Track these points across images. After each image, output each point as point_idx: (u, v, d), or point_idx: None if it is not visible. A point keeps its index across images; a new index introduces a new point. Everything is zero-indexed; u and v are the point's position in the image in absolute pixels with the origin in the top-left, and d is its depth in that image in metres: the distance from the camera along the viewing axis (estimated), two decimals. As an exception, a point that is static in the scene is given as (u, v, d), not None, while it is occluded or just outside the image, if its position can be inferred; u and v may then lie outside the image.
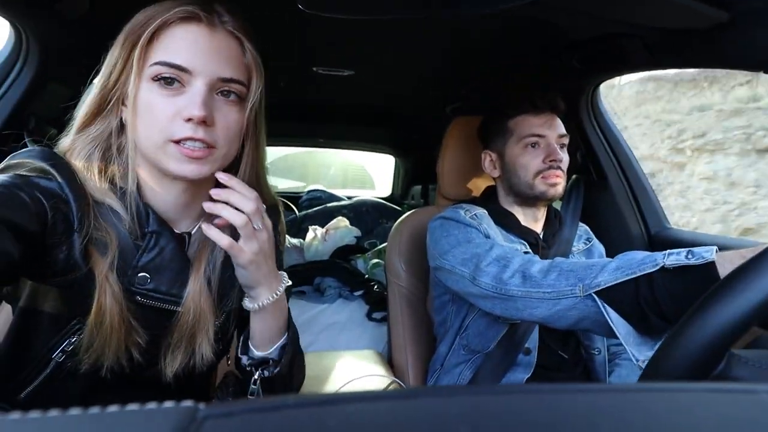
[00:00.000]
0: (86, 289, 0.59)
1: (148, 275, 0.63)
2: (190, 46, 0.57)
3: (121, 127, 0.63)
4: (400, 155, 2.92)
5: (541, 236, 1.05)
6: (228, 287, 0.71)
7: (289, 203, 2.49)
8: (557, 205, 1.16)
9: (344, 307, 1.66)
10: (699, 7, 0.77)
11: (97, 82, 0.62)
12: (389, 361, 1.26)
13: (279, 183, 3.30)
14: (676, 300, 0.61)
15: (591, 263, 0.72)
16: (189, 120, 0.56)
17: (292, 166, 3.68)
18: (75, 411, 0.18)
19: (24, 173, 0.57)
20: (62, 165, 0.59)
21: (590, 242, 1.11)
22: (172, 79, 0.57)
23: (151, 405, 0.18)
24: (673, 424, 0.15)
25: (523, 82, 1.38)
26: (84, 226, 0.58)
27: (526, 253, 1.00)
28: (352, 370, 1.15)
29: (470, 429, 0.14)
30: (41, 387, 0.63)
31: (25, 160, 0.58)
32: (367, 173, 3.76)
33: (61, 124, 0.94)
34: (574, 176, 1.26)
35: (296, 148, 3.22)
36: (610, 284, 0.66)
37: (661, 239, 1.25)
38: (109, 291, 0.59)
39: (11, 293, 0.66)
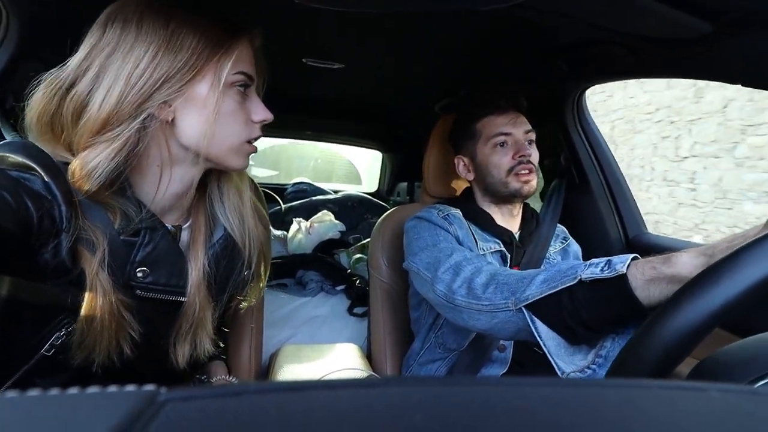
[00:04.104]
0: (76, 287, 0.58)
1: (146, 269, 0.63)
2: (252, 59, 0.66)
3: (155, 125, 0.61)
4: (387, 151, 2.92)
5: (516, 236, 1.06)
6: (225, 278, 0.74)
7: (273, 194, 2.47)
8: (537, 206, 1.18)
9: (326, 301, 1.66)
10: (683, 18, 0.78)
11: (132, 79, 0.57)
12: (368, 356, 1.27)
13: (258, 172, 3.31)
14: (597, 311, 0.63)
15: (524, 275, 0.73)
16: (260, 122, 0.67)
17: (274, 159, 3.66)
18: (34, 392, 0.18)
19: (5, 168, 0.55)
20: (47, 162, 0.57)
21: (566, 241, 1.13)
22: (245, 85, 0.65)
23: (112, 388, 0.17)
24: (623, 417, 0.16)
25: (512, 83, 1.39)
26: (72, 226, 0.56)
27: (499, 251, 1.01)
28: (329, 363, 1.15)
29: (425, 416, 0.14)
30: (23, 380, 0.62)
31: (5, 154, 0.56)
32: (354, 168, 3.75)
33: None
34: (555, 180, 1.27)
35: (282, 139, 3.20)
36: (537, 298, 0.68)
37: (638, 243, 1.28)
38: (99, 289, 0.59)
39: None
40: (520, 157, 1.00)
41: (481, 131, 1.05)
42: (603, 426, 0.15)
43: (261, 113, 0.67)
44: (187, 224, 0.72)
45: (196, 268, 0.69)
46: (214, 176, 0.73)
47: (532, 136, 1.04)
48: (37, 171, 0.55)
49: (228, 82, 0.62)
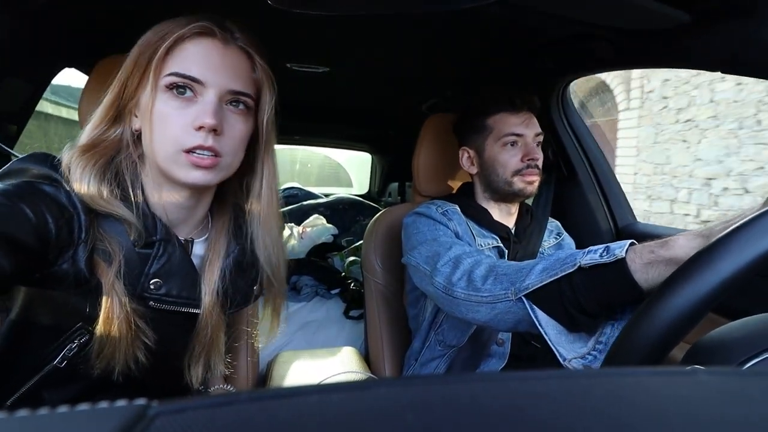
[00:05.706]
0: (93, 298, 0.59)
1: (159, 281, 0.64)
2: (203, 59, 0.60)
3: (137, 136, 0.63)
4: (377, 153, 2.93)
5: (513, 231, 1.07)
6: (234, 290, 0.73)
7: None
8: (529, 200, 1.18)
9: (321, 305, 1.66)
10: (661, 8, 0.79)
11: (110, 93, 0.62)
12: (366, 358, 1.26)
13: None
14: (597, 296, 0.63)
15: (523, 266, 0.73)
16: (200, 128, 0.58)
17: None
18: (23, 412, 0.17)
19: (29, 179, 0.56)
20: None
21: (561, 236, 1.14)
22: (184, 87, 0.59)
23: (103, 404, 0.17)
24: (614, 403, 0.16)
25: (497, 80, 1.40)
26: (90, 236, 0.58)
27: (496, 247, 1.02)
28: (327, 367, 1.15)
29: (416, 415, 0.14)
30: (31, 393, 0.63)
31: (29, 166, 0.58)
32: (343, 169, 3.75)
33: (21, 120, 0.91)
34: (544, 174, 1.28)
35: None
36: (537, 286, 0.68)
37: (628, 233, 1.29)
38: (116, 299, 0.60)
39: (2, 304, 0.65)
40: (528, 160, 1.00)
41: (492, 127, 1.03)
42: (591, 416, 0.15)
43: (201, 117, 0.58)
44: (203, 238, 0.72)
45: (210, 281, 0.69)
46: (243, 191, 0.72)
47: (541, 138, 1.04)
48: (60, 183, 0.57)
49: (161, 85, 0.59)
